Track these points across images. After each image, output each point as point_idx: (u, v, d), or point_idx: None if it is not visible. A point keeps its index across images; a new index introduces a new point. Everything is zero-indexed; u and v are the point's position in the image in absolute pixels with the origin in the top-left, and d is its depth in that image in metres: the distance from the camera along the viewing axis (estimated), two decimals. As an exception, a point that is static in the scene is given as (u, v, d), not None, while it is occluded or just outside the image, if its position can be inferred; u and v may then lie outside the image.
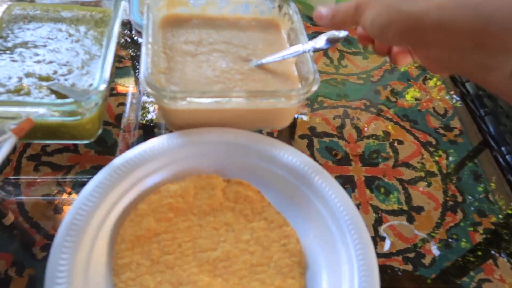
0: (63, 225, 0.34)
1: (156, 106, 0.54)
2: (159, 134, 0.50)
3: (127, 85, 0.57)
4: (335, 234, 0.38)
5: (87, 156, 0.48)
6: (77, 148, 0.49)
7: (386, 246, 0.43)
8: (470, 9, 0.24)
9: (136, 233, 0.36)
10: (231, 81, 0.45)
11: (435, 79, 0.64)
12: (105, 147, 0.49)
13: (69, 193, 0.45)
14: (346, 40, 0.67)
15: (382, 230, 0.44)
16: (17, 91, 0.42)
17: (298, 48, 0.43)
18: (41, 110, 0.37)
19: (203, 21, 0.52)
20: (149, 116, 0.53)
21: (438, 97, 0.62)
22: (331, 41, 0.40)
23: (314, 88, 0.42)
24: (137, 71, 0.58)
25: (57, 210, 0.43)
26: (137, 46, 0.60)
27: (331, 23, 0.33)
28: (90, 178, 0.45)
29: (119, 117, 0.52)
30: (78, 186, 0.45)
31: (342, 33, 0.40)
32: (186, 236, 0.38)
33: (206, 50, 0.48)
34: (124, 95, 0.55)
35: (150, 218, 0.37)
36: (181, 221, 0.38)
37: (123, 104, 0.54)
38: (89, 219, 0.35)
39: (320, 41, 0.41)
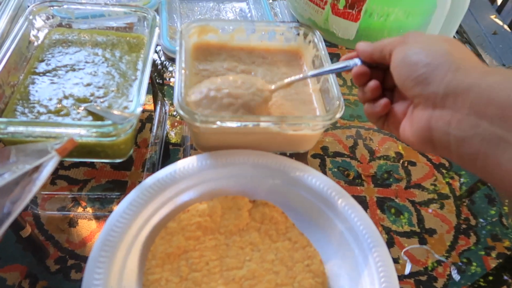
0: (98, 241, 0.36)
1: (181, 126, 0.55)
2: (183, 151, 0.52)
3: (151, 103, 0.58)
4: (357, 257, 0.39)
5: (103, 171, 0.49)
6: (93, 163, 0.50)
7: (407, 269, 0.44)
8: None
9: (166, 251, 0.38)
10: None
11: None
12: (121, 163, 0.49)
13: (84, 207, 0.46)
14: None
15: (402, 253, 0.45)
16: (57, 112, 0.45)
17: (345, 63, 0.40)
18: (81, 131, 0.40)
19: (231, 51, 0.54)
20: (173, 133, 0.54)
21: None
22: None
23: (339, 115, 0.44)
24: (157, 86, 0.60)
25: (72, 223, 0.44)
26: (162, 64, 0.62)
27: (369, 59, 0.36)
28: (103, 194, 0.46)
29: (139, 133, 0.53)
30: (92, 200, 0.47)
31: None
32: (213, 255, 0.39)
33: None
34: (147, 111, 0.57)
35: (180, 236, 0.39)
36: (208, 240, 0.40)
37: (139, 121, 0.54)
38: (122, 235, 0.37)
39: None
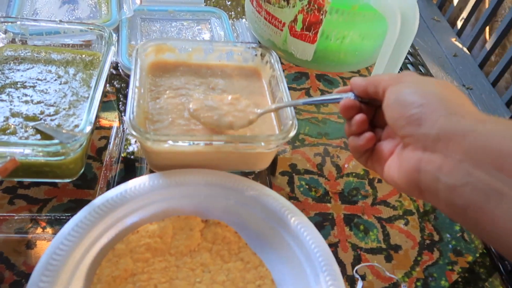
0: (39, 265, 0.35)
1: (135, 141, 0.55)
2: (140, 169, 0.51)
3: (111, 119, 0.57)
4: (309, 276, 0.39)
5: (65, 190, 0.48)
6: (55, 182, 0.48)
7: (358, 286, 0.44)
8: (510, 134, 0.23)
9: (112, 274, 0.37)
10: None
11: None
12: (85, 181, 0.48)
13: (43, 228, 0.44)
14: (327, 80, 0.70)
15: (356, 271, 0.45)
16: (3, 130, 0.43)
17: (339, 95, 0.38)
18: (26, 150, 0.39)
19: (189, 68, 0.54)
20: (131, 150, 0.53)
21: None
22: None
23: (292, 133, 0.44)
24: (120, 103, 0.59)
25: (30, 245, 0.42)
26: (122, 80, 0.62)
27: (363, 93, 0.35)
28: (64, 215, 0.45)
29: (100, 150, 0.52)
30: (52, 221, 0.45)
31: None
32: (163, 277, 0.38)
33: (190, 96, 0.50)
34: (107, 128, 0.56)
35: (128, 258, 0.38)
36: (158, 262, 0.39)
37: (105, 137, 0.54)
38: (66, 259, 0.36)
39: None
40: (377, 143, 0.35)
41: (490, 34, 2.28)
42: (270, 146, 0.44)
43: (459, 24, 2.47)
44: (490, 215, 0.23)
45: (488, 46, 2.18)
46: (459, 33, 2.46)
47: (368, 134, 0.35)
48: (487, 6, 2.27)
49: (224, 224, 0.42)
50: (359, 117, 0.35)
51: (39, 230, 0.44)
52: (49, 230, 0.44)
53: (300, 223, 0.42)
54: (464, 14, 2.43)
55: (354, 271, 0.45)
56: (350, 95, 0.37)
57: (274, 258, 0.42)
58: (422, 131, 0.28)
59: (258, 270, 0.40)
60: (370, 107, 0.36)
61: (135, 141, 0.54)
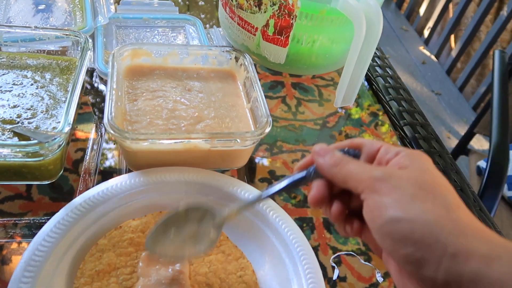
0: (21, 261, 0.35)
1: (115, 152, 0.55)
2: (119, 172, 0.52)
3: (87, 131, 0.58)
4: (288, 265, 0.41)
5: (41, 203, 0.47)
6: (30, 195, 0.47)
7: (335, 275, 0.46)
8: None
9: (96, 268, 0.37)
10: (190, 126, 0.49)
11: (386, 125, 0.70)
12: (61, 194, 0.48)
13: (19, 243, 0.43)
14: (303, 88, 0.73)
15: (331, 261, 0.47)
16: (-20, 133, 0.43)
17: (302, 174, 0.33)
18: (4, 151, 0.39)
19: (165, 71, 0.56)
20: (108, 162, 0.54)
21: (391, 142, 0.67)
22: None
23: (267, 130, 0.46)
24: (96, 116, 0.60)
25: (5, 260, 0.41)
26: (97, 93, 0.63)
27: (329, 175, 0.30)
28: (43, 218, 0.45)
29: (76, 162, 0.52)
30: (28, 235, 0.44)
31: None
32: (145, 271, 0.39)
33: (167, 98, 0.52)
34: (83, 140, 0.56)
35: (111, 253, 0.38)
36: (141, 256, 0.40)
37: (82, 150, 0.54)
38: (48, 255, 0.36)
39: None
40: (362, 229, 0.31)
41: (455, 42, 2.39)
42: (247, 142, 0.46)
43: (426, 33, 2.58)
44: None
45: (454, 53, 2.29)
46: (426, 42, 2.57)
47: (354, 228, 0.31)
48: (451, 15, 2.38)
49: (204, 218, 0.43)
50: (335, 209, 0.31)
51: (14, 245, 0.43)
52: (24, 244, 0.43)
53: (278, 216, 0.43)
54: (431, 24, 2.54)
55: (330, 260, 0.47)
56: (314, 170, 0.32)
57: (254, 250, 0.43)
58: (426, 274, 0.24)
59: (239, 262, 0.41)
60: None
61: (114, 143, 0.55)
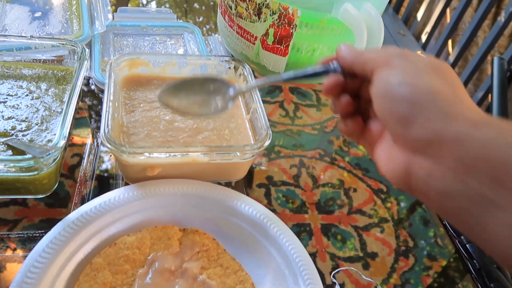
0: (13, 285, 0.34)
1: (113, 157, 0.54)
2: (115, 185, 0.51)
3: (83, 136, 0.57)
4: (288, 278, 0.40)
5: (37, 209, 0.46)
6: (26, 201, 0.46)
7: (337, 292, 0.45)
8: (509, 140, 0.22)
9: (90, 288, 0.36)
10: (188, 138, 0.48)
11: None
12: (57, 200, 0.47)
13: (14, 249, 0.43)
14: (300, 93, 0.72)
15: (333, 276, 0.46)
16: (-27, 146, 0.42)
17: (325, 67, 0.34)
18: (-2, 166, 0.38)
19: (163, 82, 0.55)
20: (105, 167, 0.53)
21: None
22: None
23: (267, 143, 0.45)
24: (92, 120, 0.59)
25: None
26: (95, 97, 0.62)
27: (349, 68, 0.32)
28: (37, 232, 0.43)
29: (72, 168, 0.51)
30: (23, 241, 0.43)
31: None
32: None
33: (165, 109, 0.51)
34: (80, 145, 0.55)
35: (106, 271, 0.37)
36: (137, 273, 0.39)
37: (78, 155, 0.53)
38: (41, 276, 0.35)
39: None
40: (366, 122, 0.33)
41: (452, 47, 2.39)
42: (246, 156, 0.45)
43: (424, 38, 2.59)
44: (483, 223, 0.23)
45: (451, 58, 2.29)
46: (424, 47, 2.57)
47: (356, 121, 0.33)
48: (448, 20, 2.39)
49: (202, 231, 0.43)
50: (344, 100, 0.33)
51: (9, 251, 0.42)
52: (19, 251, 0.43)
53: (278, 229, 0.42)
54: (428, 29, 2.54)
55: (331, 276, 0.46)
56: (336, 67, 0.33)
57: (253, 263, 0.42)
58: (411, 134, 0.26)
59: (237, 275, 0.41)
60: (356, 79, 0.33)
61: (110, 156, 0.54)
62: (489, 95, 1.99)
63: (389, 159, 0.28)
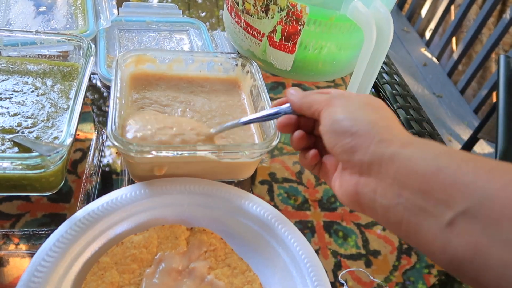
0: (20, 284, 0.33)
1: (115, 152, 0.54)
2: (120, 181, 0.51)
3: (87, 131, 0.56)
4: (295, 278, 0.40)
5: (39, 204, 0.46)
6: (29, 196, 0.46)
7: (344, 293, 0.45)
8: (430, 156, 0.27)
9: (98, 287, 0.36)
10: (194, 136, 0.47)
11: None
12: (60, 195, 0.47)
13: (17, 244, 0.42)
14: (304, 90, 0.71)
15: (340, 277, 0.46)
16: (-21, 143, 0.42)
17: (277, 109, 0.40)
18: (4, 164, 0.37)
19: (170, 78, 0.54)
20: (109, 162, 0.53)
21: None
22: None
23: (275, 142, 0.45)
24: (95, 114, 0.58)
25: (2, 263, 0.41)
26: (98, 92, 0.61)
27: (298, 111, 0.37)
28: (43, 230, 0.43)
29: (75, 163, 0.51)
30: (27, 237, 0.43)
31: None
32: None
33: (171, 108, 0.50)
34: (83, 141, 0.54)
35: (113, 271, 0.37)
36: (145, 272, 0.38)
37: (81, 150, 0.53)
38: (48, 275, 0.35)
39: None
40: (323, 156, 0.37)
41: (457, 44, 2.37)
42: (254, 155, 0.45)
43: (428, 34, 2.57)
44: (418, 229, 0.26)
45: (455, 56, 2.27)
46: (428, 43, 2.56)
47: (312, 152, 0.37)
48: (453, 17, 2.37)
49: (210, 231, 0.42)
50: (297, 134, 0.38)
51: (12, 246, 0.42)
52: (23, 246, 0.43)
53: (286, 229, 0.42)
54: (432, 25, 2.53)
55: (340, 276, 0.46)
56: (287, 108, 0.38)
57: (260, 262, 0.42)
58: (356, 158, 0.30)
59: (245, 275, 0.40)
60: (309, 119, 0.38)
61: (116, 152, 0.53)
62: (493, 94, 1.98)
63: (341, 184, 0.33)
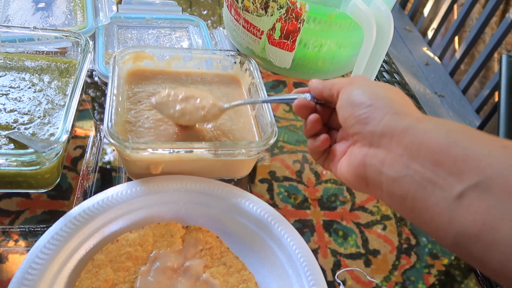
0: (14, 280, 0.33)
1: (114, 149, 0.54)
2: (118, 178, 0.50)
3: (86, 128, 0.56)
4: (291, 277, 0.39)
5: (39, 200, 0.46)
6: (28, 193, 0.46)
7: (341, 292, 0.45)
8: (444, 130, 0.26)
9: (93, 285, 0.36)
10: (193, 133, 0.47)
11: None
12: (59, 192, 0.47)
13: (16, 241, 0.42)
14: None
15: (338, 276, 0.46)
16: (-26, 139, 0.42)
17: (297, 95, 0.40)
18: (-1, 160, 0.37)
19: (168, 75, 0.54)
20: (108, 159, 0.52)
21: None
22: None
23: (272, 140, 0.44)
24: (96, 112, 0.58)
25: (1, 259, 0.41)
26: (98, 88, 0.61)
27: (319, 96, 0.37)
28: (39, 226, 0.43)
29: (75, 160, 0.51)
30: (25, 234, 0.43)
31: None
32: (144, 287, 0.37)
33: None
34: (82, 138, 0.54)
35: (108, 268, 0.37)
36: (140, 270, 0.38)
37: (81, 147, 0.53)
38: (42, 272, 0.34)
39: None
40: (332, 145, 0.37)
41: (459, 44, 2.36)
42: (251, 153, 0.44)
43: (430, 34, 2.56)
44: (424, 203, 0.26)
45: (457, 55, 2.26)
46: (430, 43, 2.55)
47: (323, 136, 0.37)
48: (455, 17, 2.36)
49: (205, 229, 0.42)
50: (312, 116, 0.37)
51: (11, 243, 0.42)
52: (22, 243, 0.42)
53: (282, 227, 0.42)
54: (435, 25, 2.52)
55: (336, 276, 0.45)
56: (307, 96, 0.39)
57: (257, 262, 0.42)
58: (368, 129, 0.30)
59: (241, 274, 0.40)
60: (327, 108, 0.38)
61: (112, 150, 0.53)
62: (495, 93, 1.97)
63: (349, 160, 0.33)
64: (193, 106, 0.45)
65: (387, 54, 0.81)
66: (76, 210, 0.39)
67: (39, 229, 0.44)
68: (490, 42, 1.99)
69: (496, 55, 2.02)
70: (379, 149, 0.29)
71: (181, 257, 0.40)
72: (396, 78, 0.76)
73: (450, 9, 2.37)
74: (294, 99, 0.39)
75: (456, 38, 2.37)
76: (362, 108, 0.31)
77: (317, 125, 0.38)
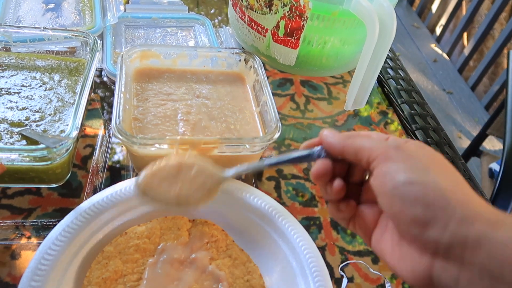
0: (28, 270, 0.35)
1: (124, 148, 0.55)
2: (127, 176, 0.52)
3: (96, 127, 0.57)
4: (295, 269, 0.40)
5: (50, 198, 0.47)
6: (40, 191, 0.48)
7: (343, 285, 0.45)
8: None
9: (102, 275, 0.37)
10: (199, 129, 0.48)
11: (395, 123, 0.69)
12: (70, 190, 0.48)
13: (28, 237, 0.44)
14: (312, 86, 0.71)
15: (339, 269, 0.46)
16: (-12, 136, 0.43)
17: (308, 152, 0.34)
18: (12, 156, 0.39)
19: (174, 74, 0.55)
20: (117, 158, 0.54)
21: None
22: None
23: (276, 135, 0.45)
24: (105, 112, 0.59)
25: (14, 255, 0.42)
26: (106, 88, 0.62)
27: (338, 155, 0.31)
28: (51, 220, 0.44)
29: (85, 159, 0.52)
30: (37, 229, 0.44)
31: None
32: (152, 278, 0.38)
33: (176, 101, 0.51)
34: (92, 137, 0.56)
35: (117, 259, 0.38)
36: (147, 262, 0.39)
37: (90, 146, 0.54)
38: (54, 263, 0.36)
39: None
40: (357, 206, 0.33)
41: (468, 40, 2.34)
42: (255, 148, 0.45)
43: (438, 30, 2.55)
44: None
45: (466, 51, 2.25)
46: (438, 39, 2.53)
47: (351, 203, 0.32)
48: (464, 13, 2.34)
49: (211, 222, 0.43)
50: (337, 185, 0.32)
51: (24, 239, 0.43)
52: (34, 239, 0.44)
53: (286, 221, 0.43)
54: (443, 21, 2.50)
55: (339, 269, 0.46)
56: (321, 152, 0.33)
57: (261, 254, 0.43)
58: (431, 236, 0.25)
59: (246, 266, 0.41)
60: (343, 163, 0.33)
61: (122, 148, 0.55)
62: (505, 90, 1.96)
63: (401, 257, 0.27)
64: (190, 184, 0.38)
65: (392, 51, 0.81)
66: (86, 204, 0.40)
67: (51, 223, 0.45)
68: (500, 38, 1.97)
69: (505, 51, 2.01)
70: (448, 262, 0.24)
71: (187, 249, 0.41)
72: (400, 75, 0.76)
73: (458, 5, 2.35)
74: (307, 157, 0.33)
75: (465, 34, 2.35)
76: (417, 207, 0.25)
77: (343, 192, 0.32)
